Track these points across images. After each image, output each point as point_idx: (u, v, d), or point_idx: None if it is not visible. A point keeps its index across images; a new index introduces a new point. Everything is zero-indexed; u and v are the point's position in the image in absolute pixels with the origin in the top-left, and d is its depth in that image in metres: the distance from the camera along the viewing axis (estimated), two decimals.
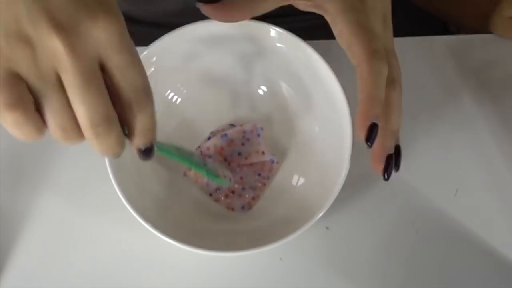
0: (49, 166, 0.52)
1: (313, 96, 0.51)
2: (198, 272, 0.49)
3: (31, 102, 0.28)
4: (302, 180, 0.51)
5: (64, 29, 0.27)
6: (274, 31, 0.48)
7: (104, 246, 0.49)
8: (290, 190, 0.51)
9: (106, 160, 0.44)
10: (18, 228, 0.50)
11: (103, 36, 0.28)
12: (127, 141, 0.33)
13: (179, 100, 0.53)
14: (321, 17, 0.40)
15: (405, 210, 0.52)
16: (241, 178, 0.51)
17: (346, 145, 0.45)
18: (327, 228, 0.50)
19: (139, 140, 0.33)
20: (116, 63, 0.29)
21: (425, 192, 0.52)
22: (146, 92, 0.31)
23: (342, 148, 0.45)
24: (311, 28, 0.55)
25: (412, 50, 0.59)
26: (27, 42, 0.27)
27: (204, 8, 0.42)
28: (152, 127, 0.32)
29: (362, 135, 0.37)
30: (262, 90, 0.54)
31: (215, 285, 0.48)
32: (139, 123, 0.31)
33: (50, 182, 0.52)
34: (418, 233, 0.51)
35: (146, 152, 0.33)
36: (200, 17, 0.49)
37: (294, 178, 0.51)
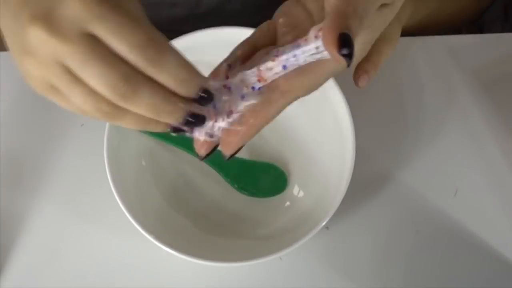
0: (49, 169, 0.52)
1: (315, 105, 0.51)
2: (198, 272, 0.49)
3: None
4: (303, 191, 0.51)
5: (42, 21, 0.26)
6: None
7: (102, 249, 0.49)
8: (292, 200, 0.51)
9: (107, 167, 0.44)
10: (18, 229, 0.50)
11: (79, 10, 0.26)
12: None
13: None
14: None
15: (405, 210, 0.52)
16: None
17: (348, 156, 0.45)
18: (327, 228, 0.50)
19: (183, 91, 0.28)
20: (104, 30, 0.26)
21: (425, 192, 0.52)
22: (151, 44, 0.27)
23: (344, 159, 0.46)
24: None
25: (412, 50, 0.59)
26: (28, 52, 0.27)
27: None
28: (186, 71, 0.28)
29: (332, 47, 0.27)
30: None
31: (215, 284, 0.48)
32: (168, 77, 0.27)
33: (50, 185, 0.52)
34: (418, 233, 0.51)
35: (204, 98, 0.29)
36: (204, 24, 0.49)
37: (295, 188, 0.51)
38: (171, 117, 0.29)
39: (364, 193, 0.52)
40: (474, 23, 0.79)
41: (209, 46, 0.49)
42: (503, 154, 0.54)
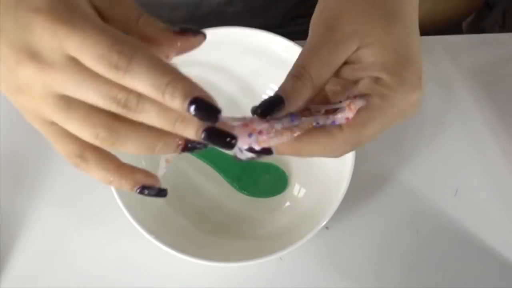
0: (49, 169, 0.52)
1: None
2: (198, 272, 0.49)
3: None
4: (303, 191, 0.51)
5: (26, 58, 0.26)
6: (279, 42, 0.48)
7: (102, 249, 0.49)
8: (292, 200, 0.51)
9: None
10: (18, 229, 0.50)
11: (48, 38, 0.26)
12: None
13: None
14: None
15: (405, 210, 0.52)
16: None
17: (348, 156, 0.45)
18: (327, 228, 0.50)
19: (174, 103, 0.25)
20: (72, 49, 0.25)
21: (425, 192, 0.52)
22: (116, 50, 0.25)
23: (344, 159, 0.46)
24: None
25: None
26: (21, 90, 0.27)
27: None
28: (164, 74, 0.25)
29: None
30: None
31: (215, 284, 0.48)
32: (144, 86, 0.25)
33: (50, 185, 0.52)
34: (418, 233, 0.51)
35: (199, 108, 0.25)
36: (205, 26, 0.49)
37: (296, 188, 0.52)
38: (186, 125, 0.26)
39: (364, 193, 0.52)
40: (475, 27, 0.79)
41: (209, 46, 0.49)
42: (503, 154, 0.54)
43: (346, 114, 0.31)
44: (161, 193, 0.31)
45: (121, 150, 0.28)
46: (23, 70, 0.26)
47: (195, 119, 0.26)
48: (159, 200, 0.50)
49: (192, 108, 0.25)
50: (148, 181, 0.30)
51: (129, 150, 0.28)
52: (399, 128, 0.55)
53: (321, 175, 0.50)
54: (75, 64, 0.26)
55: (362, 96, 0.31)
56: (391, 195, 0.52)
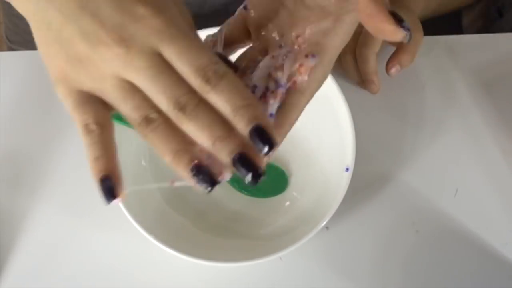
0: (49, 169, 0.52)
1: (315, 106, 0.51)
2: (198, 272, 0.49)
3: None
4: (304, 191, 0.51)
5: (116, 37, 0.27)
6: None
7: (102, 249, 0.49)
8: (292, 200, 0.51)
9: None
10: (18, 229, 0.50)
11: (152, 30, 0.28)
12: None
13: None
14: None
15: (405, 210, 0.52)
16: None
17: (348, 157, 0.45)
18: (327, 228, 0.50)
19: (236, 119, 0.27)
20: (171, 51, 0.28)
21: (425, 192, 0.52)
22: (212, 68, 0.27)
23: (344, 159, 0.46)
24: None
25: None
26: (83, 62, 0.28)
27: None
28: (242, 98, 0.27)
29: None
30: None
31: (215, 284, 0.48)
32: (224, 102, 0.27)
33: (50, 186, 0.52)
34: (418, 233, 0.51)
35: (258, 134, 0.27)
36: (207, 25, 0.49)
37: (296, 188, 0.52)
38: (224, 146, 0.27)
39: (364, 193, 0.52)
40: (493, 9, 0.78)
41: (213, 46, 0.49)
42: (503, 154, 0.54)
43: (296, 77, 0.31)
44: (213, 182, 0.29)
45: (157, 137, 0.29)
46: (106, 51, 0.27)
47: (234, 143, 0.27)
48: (159, 200, 0.50)
49: (253, 132, 0.27)
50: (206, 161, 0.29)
51: (163, 137, 0.29)
52: (399, 128, 0.56)
53: (321, 175, 0.50)
54: (160, 61, 0.28)
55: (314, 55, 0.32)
56: (391, 195, 0.52)
